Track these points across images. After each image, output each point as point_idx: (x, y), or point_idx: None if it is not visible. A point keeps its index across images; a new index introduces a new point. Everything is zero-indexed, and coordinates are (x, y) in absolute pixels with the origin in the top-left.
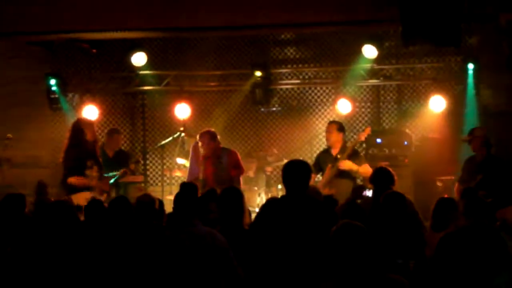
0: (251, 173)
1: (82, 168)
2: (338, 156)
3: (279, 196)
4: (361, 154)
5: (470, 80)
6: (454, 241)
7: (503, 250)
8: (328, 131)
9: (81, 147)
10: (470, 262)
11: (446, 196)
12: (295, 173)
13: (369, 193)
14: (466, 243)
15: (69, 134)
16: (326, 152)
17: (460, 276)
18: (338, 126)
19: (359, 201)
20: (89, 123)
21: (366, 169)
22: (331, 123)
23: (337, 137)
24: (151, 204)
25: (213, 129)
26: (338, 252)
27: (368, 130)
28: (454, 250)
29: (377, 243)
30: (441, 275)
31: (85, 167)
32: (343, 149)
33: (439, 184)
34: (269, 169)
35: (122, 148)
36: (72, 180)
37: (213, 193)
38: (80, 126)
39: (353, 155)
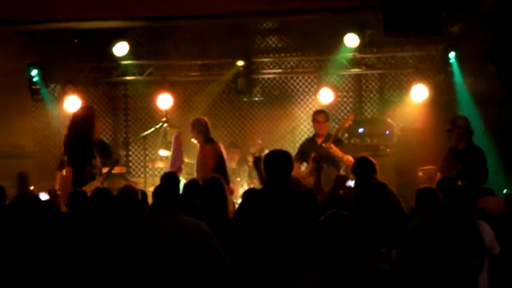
0: (233, 164)
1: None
2: (323, 144)
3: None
4: (342, 142)
5: (456, 69)
6: (425, 227)
7: (475, 235)
8: (317, 121)
9: (90, 136)
10: (442, 247)
11: (426, 185)
12: (277, 163)
13: (351, 183)
14: (438, 228)
15: (79, 121)
16: (311, 140)
17: (432, 261)
18: (327, 115)
19: (341, 191)
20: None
21: (349, 158)
22: (321, 112)
23: (326, 127)
24: (134, 195)
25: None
26: (326, 242)
27: (351, 117)
28: (426, 236)
29: (362, 233)
30: (415, 261)
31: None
32: (327, 137)
33: (420, 174)
34: (251, 159)
35: (104, 139)
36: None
37: (195, 184)
38: (93, 117)
39: (338, 143)
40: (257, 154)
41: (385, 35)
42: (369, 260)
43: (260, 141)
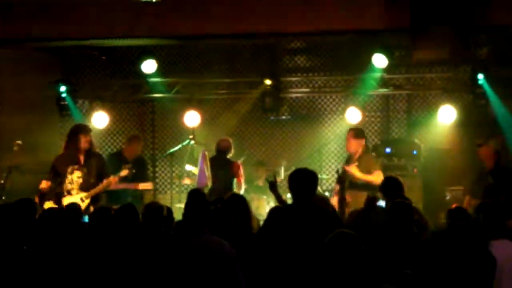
0: (260, 182)
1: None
2: (344, 167)
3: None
4: (374, 160)
5: (489, 90)
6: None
7: (484, 250)
8: (346, 138)
9: (69, 152)
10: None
11: (454, 206)
12: (302, 181)
13: (382, 203)
14: (447, 244)
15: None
16: (346, 161)
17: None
18: (354, 132)
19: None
20: (86, 130)
21: (371, 177)
22: (351, 130)
23: (355, 144)
24: (159, 211)
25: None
26: (330, 261)
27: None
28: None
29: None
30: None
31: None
32: (360, 156)
33: (448, 194)
34: (278, 178)
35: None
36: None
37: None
38: (77, 132)
39: (362, 161)
40: (271, 179)
41: (414, 55)
42: (392, 281)
43: (285, 162)
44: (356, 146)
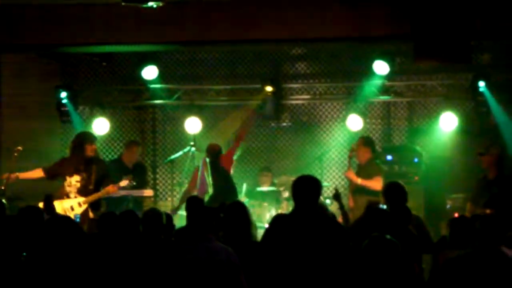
0: (264, 187)
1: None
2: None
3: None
4: (376, 166)
5: (489, 97)
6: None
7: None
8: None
9: (73, 158)
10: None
11: (456, 215)
12: (305, 188)
13: (384, 208)
14: (470, 268)
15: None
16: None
17: None
18: (363, 141)
19: None
20: (92, 140)
21: (369, 183)
22: (360, 138)
23: (361, 153)
24: (158, 218)
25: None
26: (369, 266)
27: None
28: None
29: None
30: None
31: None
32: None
33: (449, 202)
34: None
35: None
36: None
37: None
38: (82, 142)
39: (364, 166)
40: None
41: (415, 62)
42: None
43: (285, 178)
44: (365, 153)
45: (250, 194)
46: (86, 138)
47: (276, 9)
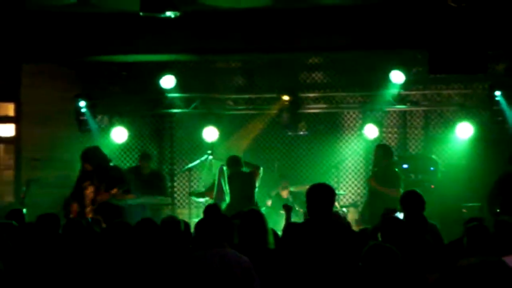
0: (284, 194)
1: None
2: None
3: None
4: (395, 175)
5: (506, 107)
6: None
7: None
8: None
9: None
10: None
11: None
12: (319, 196)
13: (400, 215)
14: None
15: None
16: None
17: None
18: (381, 149)
19: None
20: (85, 156)
21: (384, 189)
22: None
23: (379, 160)
24: (176, 225)
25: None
26: (369, 274)
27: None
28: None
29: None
30: None
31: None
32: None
33: (464, 211)
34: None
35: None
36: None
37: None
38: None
39: (381, 172)
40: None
41: (430, 73)
42: None
43: (292, 189)
44: (380, 160)
45: (265, 198)
46: (82, 155)
47: (291, 18)
